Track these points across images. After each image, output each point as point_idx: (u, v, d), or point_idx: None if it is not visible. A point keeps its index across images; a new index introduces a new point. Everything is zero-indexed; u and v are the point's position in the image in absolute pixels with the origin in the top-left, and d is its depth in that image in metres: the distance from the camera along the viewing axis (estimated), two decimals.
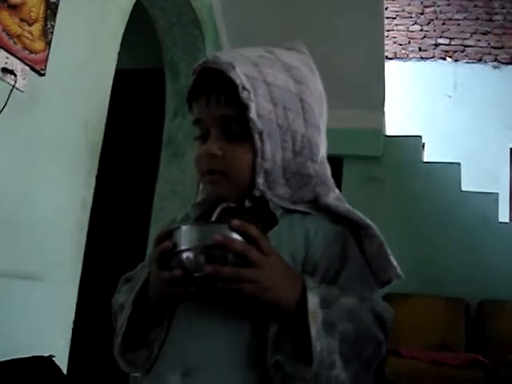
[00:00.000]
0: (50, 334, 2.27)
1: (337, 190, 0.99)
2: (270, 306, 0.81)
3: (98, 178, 2.58)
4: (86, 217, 2.50)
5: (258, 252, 0.79)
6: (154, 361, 0.90)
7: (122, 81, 3.09)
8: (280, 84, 0.92)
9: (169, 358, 0.88)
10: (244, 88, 0.88)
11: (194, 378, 0.84)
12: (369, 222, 0.93)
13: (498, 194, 4.91)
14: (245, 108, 0.89)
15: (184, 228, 0.82)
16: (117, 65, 2.71)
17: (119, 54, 2.71)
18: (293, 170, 0.94)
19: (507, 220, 5.61)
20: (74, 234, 2.44)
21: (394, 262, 0.92)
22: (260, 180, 0.91)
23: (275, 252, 0.83)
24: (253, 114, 0.89)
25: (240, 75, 0.88)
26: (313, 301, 0.80)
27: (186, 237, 0.81)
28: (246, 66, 0.90)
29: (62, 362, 2.23)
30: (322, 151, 0.99)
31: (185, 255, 0.80)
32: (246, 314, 0.84)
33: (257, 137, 0.90)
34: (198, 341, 0.86)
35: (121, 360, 0.95)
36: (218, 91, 0.91)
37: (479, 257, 4.58)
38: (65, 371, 2.21)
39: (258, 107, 0.89)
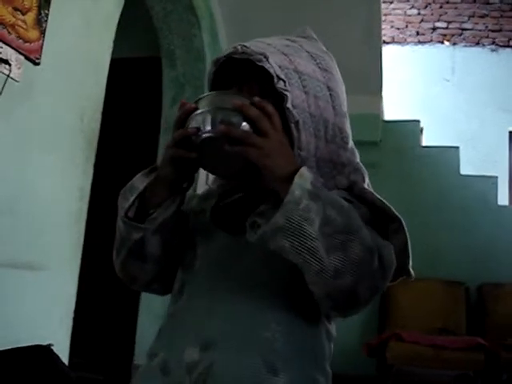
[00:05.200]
0: (51, 324, 2.27)
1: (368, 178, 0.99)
2: (267, 174, 0.82)
3: (96, 166, 2.57)
4: (84, 206, 2.50)
5: (269, 124, 0.82)
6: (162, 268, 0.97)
7: (120, 69, 3.07)
8: (309, 73, 0.92)
9: (186, 330, 0.90)
10: (279, 78, 0.88)
11: (213, 351, 0.85)
12: (399, 215, 0.91)
13: (497, 177, 4.91)
14: (280, 98, 0.88)
15: (206, 94, 0.87)
16: (114, 53, 2.69)
17: (116, 42, 2.69)
18: (325, 159, 0.93)
19: (507, 203, 5.61)
20: (73, 223, 2.43)
21: (411, 262, 0.92)
22: None
23: (283, 133, 0.86)
24: (289, 104, 0.88)
25: (273, 65, 0.88)
26: (305, 173, 0.81)
27: (206, 101, 0.85)
28: (276, 56, 0.90)
29: (63, 351, 2.24)
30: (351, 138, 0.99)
31: (201, 116, 0.84)
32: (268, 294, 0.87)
33: (293, 127, 0.89)
34: (220, 316, 0.88)
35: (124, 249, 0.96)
36: (249, 81, 0.91)
37: (479, 240, 4.59)
38: (66, 360, 2.22)
39: (293, 97, 0.89)
